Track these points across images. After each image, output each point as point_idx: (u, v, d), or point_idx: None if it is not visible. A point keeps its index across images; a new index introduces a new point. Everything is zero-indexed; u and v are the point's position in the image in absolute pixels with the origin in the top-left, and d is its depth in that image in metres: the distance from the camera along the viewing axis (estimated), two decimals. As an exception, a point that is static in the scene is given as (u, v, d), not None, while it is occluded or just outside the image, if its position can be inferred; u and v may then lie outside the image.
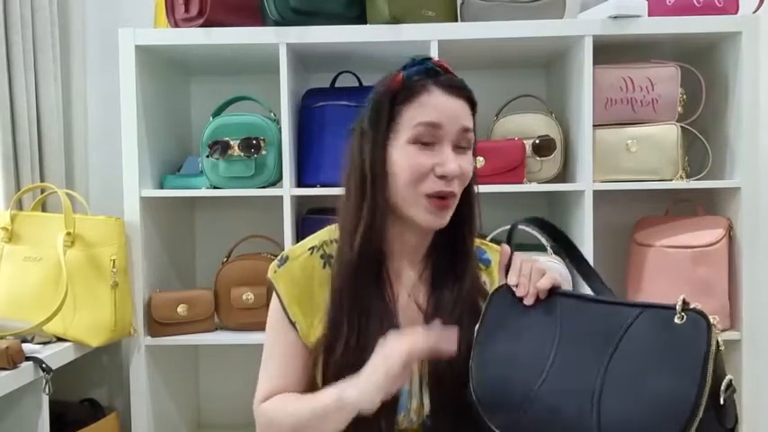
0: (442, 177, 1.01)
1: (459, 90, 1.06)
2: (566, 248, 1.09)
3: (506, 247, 1.05)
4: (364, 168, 1.05)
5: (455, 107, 1.04)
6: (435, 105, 1.03)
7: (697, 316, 0.83)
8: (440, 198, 1.02)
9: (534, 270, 0.99)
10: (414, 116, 1.02)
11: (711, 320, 0.82)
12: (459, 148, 1.04)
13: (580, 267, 1.07)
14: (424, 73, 1.05)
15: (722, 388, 0.80)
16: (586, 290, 1.08)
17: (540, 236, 1.70)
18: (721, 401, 0.80)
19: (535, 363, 0.92)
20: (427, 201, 1.02)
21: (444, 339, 0.94)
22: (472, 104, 1.08)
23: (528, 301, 0.98)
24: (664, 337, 0.84)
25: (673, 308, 0.85)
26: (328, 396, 0.98)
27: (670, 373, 0.81)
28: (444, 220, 1.05)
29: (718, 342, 0.81)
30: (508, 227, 1.78)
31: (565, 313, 0.94)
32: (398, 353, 0.93)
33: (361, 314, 1.03)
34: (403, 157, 1.02)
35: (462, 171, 1.03)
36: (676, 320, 0.84)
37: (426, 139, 1.02)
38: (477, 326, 1.01)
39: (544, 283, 0.97)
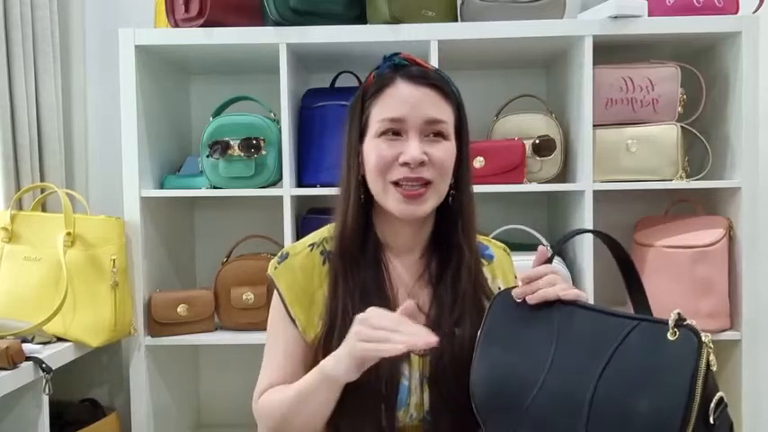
0: (405, 165, 1.03)
1: (425, 79, 1.06)
2: (624, 265, 1.03)
3: (543, 248, 1.04)
4: (344, 166, 1.10)
5: (419, 97, 1.04)
6: (398, 97, 1.04)
7: (689, 333, 0.81)
8: (408, 189, 1.03)
9: (545, 280, 0.98)
10: (379, 111, 1.05)
11: (704, 338, 0.79)
12: (429, 137, 1.05)
13: (631, 285, 1.02)
14: (393, 68, 1.07)
15: (712, 407, 0.78)
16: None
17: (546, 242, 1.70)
18: (711, 421, 0.78)
19: (531, 376, 0.92)
20: (395, 189, 1.04)
21: (420, 341, 0.90)
22: (444, 93, 1.07)
23: (530, 301, 0.97)
24: (655, 353, 0.82)
25: (667, 323, 0.82)
26: (312, 373, 1.01)
27: (658, 394, 0.79)
28: (419, 209, 1.05)
29: (708, 362, 0.78)
30: (509, 226, 1.80)
31: (563, 323, 0.93)
32: (367, 347, 0.91)
33: (357, 306, 1.03)
34: (371, 150, 1.06)
35: (432, 158, 1.03)
36: (669, 337, 0.82)
37: (392, 132, 1.04)
38: (480, 331, 1.01)
39: (548, 294, 0.96)
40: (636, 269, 1.00)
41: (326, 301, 1.07)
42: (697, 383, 0.77)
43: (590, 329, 0.90)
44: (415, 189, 1.03)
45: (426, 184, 1.04)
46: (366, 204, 1.10)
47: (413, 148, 1.02)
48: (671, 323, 0.82)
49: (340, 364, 0.96)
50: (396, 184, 1.04)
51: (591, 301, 1.67)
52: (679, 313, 0.82)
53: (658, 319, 0.85)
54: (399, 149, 1.03)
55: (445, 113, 1.06)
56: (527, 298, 0.97)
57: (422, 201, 1.04)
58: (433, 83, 1.06)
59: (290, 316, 1.08)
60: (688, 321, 0.82)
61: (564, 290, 0.96)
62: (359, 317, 0.96)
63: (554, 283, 0.97)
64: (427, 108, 1.04)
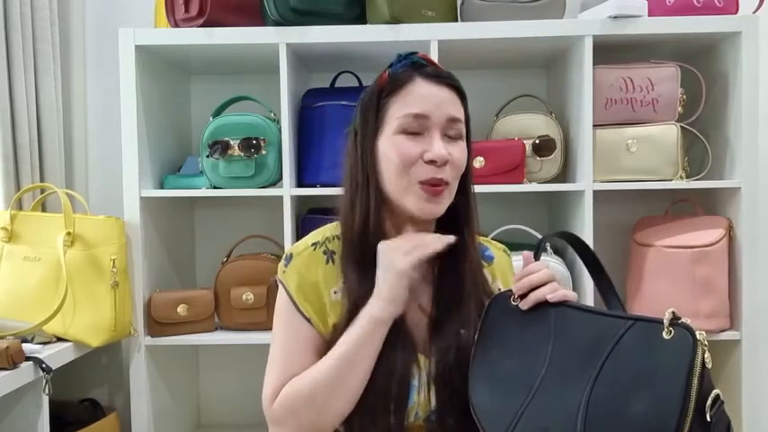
0: (430, 163, 1.02)
1: (445, 79, 1.06)
2: (591, 266, 1.05)
3: (527, 254, 1.04)
4: (357, 164, 1.08)
5: (441, 96, 1.05)
6: (420, 94, 1.04)
7: (684, 331, 0.81)
8: (432, 185, 1.03)
9: (543, 273, 0.99)
10: (400, 108, 1.05)
11: (698, 336, 0.80)
12: (448, 137, 1.05)
13: (599, 281, 1.04)
14: (410, 66, 1.07)
15: (708, 404, 0.78)
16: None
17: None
18: (708, 418, 0.78)
19: (526, 379, 0.92)
20: (419, 187, 1.03)
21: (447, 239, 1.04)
22: (460, 95, 1.08)
23: (523, 307, 0.98)
24: (650, 353, 0.82)
25: (661, 322, 0.83)
26: (357, 328, 1.01)
27: (654, 393, 0.79)
28: (438, 208, 1.05)
29: (704, 359, 0.79)
30: (509, 227, 1.80)
31: (559, 324, 0.94)
32: (416, 254, 1.02)
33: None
34: (391, 147, 1.04)
35: (453, 158, 1.04)
36: (664, 335, 0.82)
37: (413, 129, 1.04)
38: (476, 335, 1.01)
39: (537, 296, 0.97)
40: (605, 270, 1.03)
41: (341, 306, 1.07)
42: (693, 381, 0.78)
43: (585, 331, 0.91)
44: (436, 188, 1.04)
45: (446, 184, 1.04)
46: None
47: (439, 146, 1.03)
48: (666, 322, 0.82)
49: (394, 299, 1.01)
50: (420, 182, 1.03)
51: (590, 302, 1.68)
52: (674, 312, 0.82)
53: (653, 318, 0.85)
54: (422, 147, 1.03)
55: (461, 113, 1.07)
56: (519, 305, 0.99)
57: (440, 200, 1.05)
58: (450, 83, 1.07)
59: (302, 314, 1.07)
60: (683, 320, 0.82)
61: (552, 291, 0.97)
62: (385, 246, 1.04)
63: (546, 281, 0.98)
64: (449, 107, 1.05)
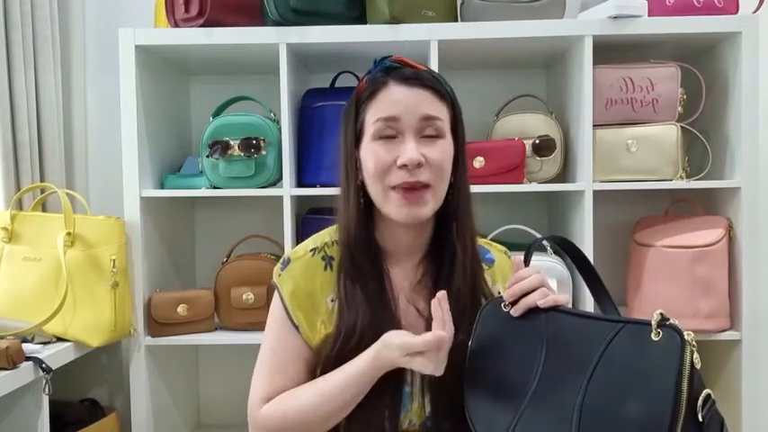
0: (403, 167, 1.02)
1: (417, 80, 1.05)
2: (582, 268, 1.05)
3: (518, 259, 1.04)
4: (343, 173, 1.09)
5: (413, 97, 1.04)
6: (391, 99, 1.04)
7: (672, 332, 0.81)
8: (407, 189, 1.02)
9: (529, 282, 0.99)
10: (374, 113, 1.05)
11: (686, 336, 0.80)
12: (425, 137, 1.04)
13: (593, 285, 1.03)
14: (384, 71, 1.07)
15: (699, 404, 0.78)
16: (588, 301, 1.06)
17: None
18: (700, 418, 0.78)
19: (521, 386, 0.92)
20: (395, 193, 1.03)
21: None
22: (438, 93, 1.06)
23: (514, 313, 0.98)
24: (640, 355, 0.82)
25: (650, 323, 0.83)
26: (361, 375, 1.00)
27: (645, 396, 0.80)
28: (420, 211, 1.04)
29: (692, 361, 0.79)
30: (509, 227, 1.80)
31: (551, 330, 0.94)
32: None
33: (366, 317, 1.04)
34: (368, 154, 1.05)
35: (429, 159, 1.03)
36: (653, 337, 0.82)
37: (387, 134, 1.04)
38: (470, 342, 1.01)
39: (528, 302, 0.97)
40: (596, 271, 1.03)
41: (337, 314, 1.07)
42: (683, 382, 0.78)
43: (576, 335, 0.91)
44: (413, 192, 1.03)
45: (425, 186, 1.03)
46: (366, 210, 1.09)
47: (409, 149, 1.02)
48: (654, 324, 0.82)
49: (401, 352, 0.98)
50: (395, 188, 1.03)
51: (589, 302, 1.68)
52: (662, 313, 0.82)
53: (642, 320, 0.85)
54: (396, 152, 1.02)
55: (440, 111, 1.06)
56: (511, 312, 0.98)
57: (422, 203, 1.03)
58: (426, 83, 1.05)
59: (292, 322, 1.08)
60: (671, 321, 0.82)
61: (542, 297, 0.96)
62: (428, 341, 0.95)
63: (536, 287, 0.98)
64: (422, 107, 1.04)
